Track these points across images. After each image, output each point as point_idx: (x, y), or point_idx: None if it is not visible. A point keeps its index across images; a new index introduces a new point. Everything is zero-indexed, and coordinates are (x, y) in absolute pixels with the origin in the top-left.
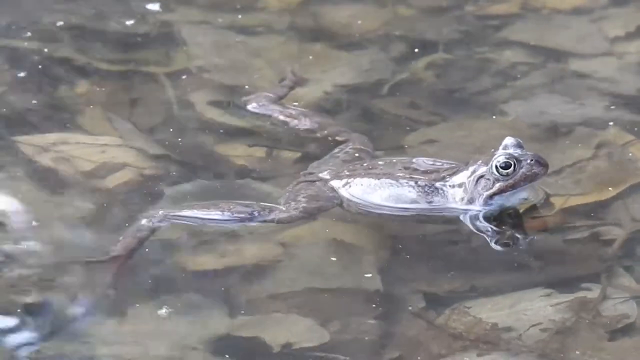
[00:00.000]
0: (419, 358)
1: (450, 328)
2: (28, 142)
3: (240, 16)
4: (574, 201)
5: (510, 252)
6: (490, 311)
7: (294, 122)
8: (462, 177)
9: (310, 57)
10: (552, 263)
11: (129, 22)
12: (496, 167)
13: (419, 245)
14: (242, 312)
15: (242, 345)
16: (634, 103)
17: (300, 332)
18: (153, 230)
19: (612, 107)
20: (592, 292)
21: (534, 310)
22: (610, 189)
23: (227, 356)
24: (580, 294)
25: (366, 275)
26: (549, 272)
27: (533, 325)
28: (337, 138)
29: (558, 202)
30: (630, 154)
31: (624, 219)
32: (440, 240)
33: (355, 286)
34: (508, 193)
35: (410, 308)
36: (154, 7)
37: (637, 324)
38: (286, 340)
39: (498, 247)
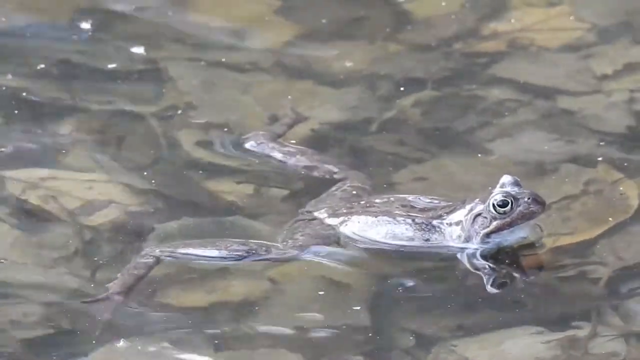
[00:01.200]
0: None
1: None
2: (16, 177)
3: (226, 54)
4: (564, 240)
5: (501, 291)
6: (477, 350)
7: (292, 160)
8: (459, 215)
9: (297, 94)
10: (541, 301)
11: (115, 63)
12: (493, 205)
13: (410, 283)
14: (229, 348)
15: None
16: (622, 141)
17: None
18: (150, 268)
19: (601, 144)
20: (582, 330)
21: (521, 348)
22: (596, 227)
23: None
24: (570, 332)
25: (355, 312)
26: (538, 311)
27: None
28: (335, 176)
29: (549, 241)
30: (619, 192)
31: (608, 257)
32: (432, 278)
33: (344, 323)
34: (505, 231)
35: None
36: (139, 50)
37: None
38: None
39: (494, 286)
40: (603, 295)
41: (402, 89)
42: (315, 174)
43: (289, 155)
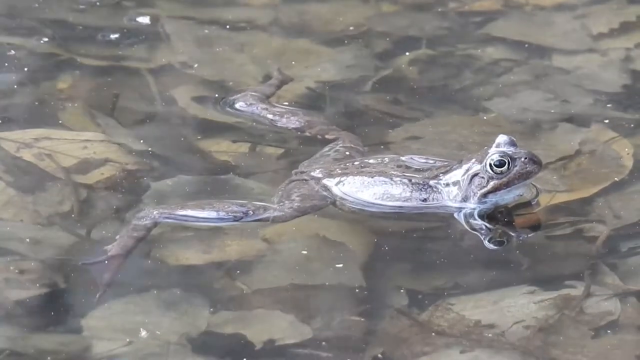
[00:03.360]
0: (402, 355)
1: (434, 325)
2: (10, 138)
3: (223, 12)
4: (559, 198)
5: (495, 249)
6: (474, 308)
7: (282, 121)
8: (456, 175)
9: (293, 53)
10: (536, 260)
11: (110, 21)
12: (490, 165)
13: (404, 243)
14: (224, 308)
15: (223, 341)
16: (618, 100)
17: (282, 329)
18: (149, 230)
19: (596, 103)
20: (576, 289)
21: (517, 307)
22: (593, 185)
23: (208, 352)
24: (564, 291)
25: (349, 272)
26: (533, 270)
27: (516, 323)
28: (327, 136)
29: (544, 200)
30: (613, 151)
31: (606, 216)
32: (427, 238)
33: (338, 282)
34: (502, 191)
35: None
36: (135, 8)
37: (621, 321)
38: (268, 336)
39: (490, 245)
40: (599, 254)
41: (397, 48)
42: (307, 134)
43: (279, 115)
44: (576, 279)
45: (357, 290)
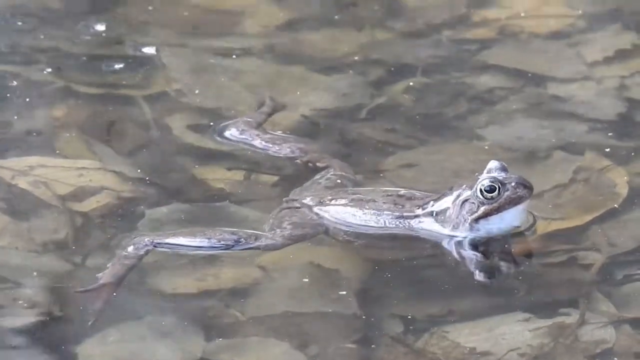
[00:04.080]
0: None
1: (429, 352)
2: (5, 166)
3: (218, 40)
4: (554, 226)
5: (490, 277)
6: (469, 335)
7: (274, 148)
8: (446, 201)
9: (288, 81)
10: (531, 288)
11: (106, 48)
12: (481, 190)
13: (398, 270)
14: (219, 335)
15: None
16: (612, 128)
17: (277, 356)
18: (141, 258)
19: (590, 131)
20: (571, 317)
21: (512, 334)
22: (587, 213)
23: None
24: (559, 319)
25: (345, 299)
26: (528, 297)
27: (511, 350)
28: (318, 164)
29: (539, 228)
30: (608, 179)
31: (601, 243)
32: (421, 265)
33: (333, 310)
34: (493, 217)
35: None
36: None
37: (616, 349)
38: None
39: (483, 273)
40: (594, 281)
41: (392, 75)
42: (298, 161)
43: (270, 143)
44: (571, 306)
45: (352, 318)
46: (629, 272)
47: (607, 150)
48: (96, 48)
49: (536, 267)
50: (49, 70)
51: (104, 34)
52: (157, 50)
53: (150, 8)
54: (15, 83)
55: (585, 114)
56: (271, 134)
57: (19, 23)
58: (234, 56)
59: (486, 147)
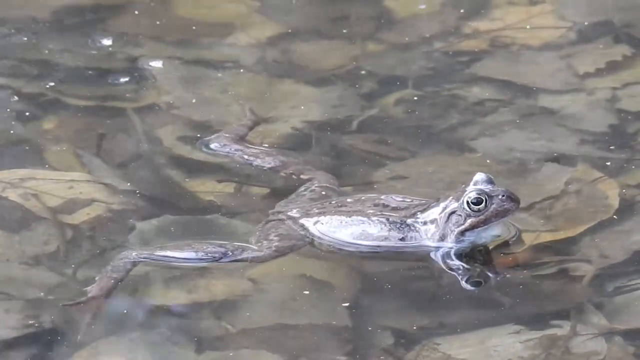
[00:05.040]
0: None
1: None
2: None
3: (208, 52)
4: (544, 237)
5: (480, 289)
6: (460, 348)
7: (257, 161)
8: (433, 213)
9: (279, 93)
10: (521, 299)
11: (95, 58)
12: (467, 202)
13: (388, 282)
14: (210, 348)
15: None
16: (603, 140)
17: None
18: (128, 271)
19: (581, 143)
20: (562, 329)
21: (503, 346)
22: (579, 225)
23: None
24: (550, 330)
25: (335, 311)
26: (518, 309)
27: None
28: (302, 176)
29: (528, 239)
30: (599, 191)
31: (592, 255)
32: (410, 277)
33: (324, 322)
34: (480, 229)
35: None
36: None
37: None
38: None
39: (469, 285)
40: (585, 293)
41: (383, 87)
42: (282, 174)
43: (253, 156)
44: (562, 318)
45: (343, 330)
46: (620, 284)
47: (599, 162)
48: (92, 61)
49: (527, 279)
50: (42, 82)
51: (110, 49)
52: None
53: (140, 21)
54: (4, 95)
55: (577, 126)
56: (253, 147)
57: (13, 31)
58: (224, 68)
59: (477, 159)
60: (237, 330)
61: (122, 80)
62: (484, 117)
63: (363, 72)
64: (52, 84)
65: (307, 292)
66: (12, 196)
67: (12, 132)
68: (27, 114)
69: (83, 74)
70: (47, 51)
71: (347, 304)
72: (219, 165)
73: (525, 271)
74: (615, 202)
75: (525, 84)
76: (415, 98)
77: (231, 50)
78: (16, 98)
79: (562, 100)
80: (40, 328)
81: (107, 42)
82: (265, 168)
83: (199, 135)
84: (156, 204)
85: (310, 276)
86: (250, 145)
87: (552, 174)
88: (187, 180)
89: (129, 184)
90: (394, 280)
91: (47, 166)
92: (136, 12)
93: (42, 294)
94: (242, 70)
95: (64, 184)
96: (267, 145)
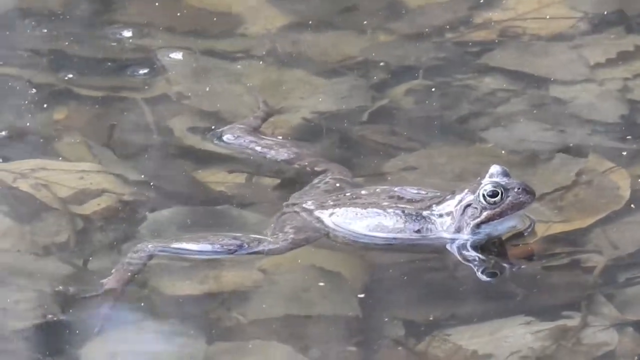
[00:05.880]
0: None
1: (431, 355)
2: (6, 169)
3: (219, 42)
4: (555, 228)
5: (492, 280)
6: (470, 338)
7: (270, 153)
8: (449, 205)
9: (289, 83)
10: (532, 291)
11: (108, 48)
12: (483, 195)
13: (401, 273)
14: (221, 338)
15: None
16: (615, 130)
17: (279, 359)
18: (144, 264)
19: (593, 134)
20: (573, 320)
21: (514, 337)
22: (590, 216)
23: None
24: (561, 321)
25: (346, 302)
26: (529, 300)
27: (513, 353)
28: (316, 168)
29: (540, 230)
30: (610, 181)
31: (604, 246)
32: (423, 268)
33: (335, 313)
34: (495, 221)
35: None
36: (131, 38)
37: (618, 352)
38: None
39: (484, 277)
40: (596, 284)
41: (394, 78)
42: (296, 166)
43: (267, 148)
44: (573, 309)
45: (353, 321)
46: (631, 275)
47: (610, 152)
48: (106, 52)
49: (538, 270)
50: (55, 73)
51: (131, 40)
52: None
53: (151, 10)
54: (16, 85)
55: (588, 116)
56: (267, 139)
57: (33, 23)
58: (235, 59)
59: (488, 150)
60: (248, 321)
61: (134, 71)
62: (495, 108)
63: (374, 62)
64: (65, 74)
65: (318, 283)
66: (23, 187)
67: (23, 122)
68: (38, 104)
69: (95, 65)
70: (67, 43)
71: (358, 295)
72: (230, 156)
73: (536, 262)
74: (626, 193)
75: (537, 74)
76: (426, 89)
77: (242, 40)
78: (29, 89)
79: (573, 91)
80: (51, 318)
81: (127, 33)
82: (279, 160)
83: (213, 127)
84: (167, 195)
85: (321, 267)
86: (264, 137)
87: (563, 165)
88: (198, 170)
89: (139, 174)
90: (406, 272)
91: (58, 157)
92: (145, 2)
93: (52, 284)
94: (252, 61)
95: (75, 174)
96: (280, 137)
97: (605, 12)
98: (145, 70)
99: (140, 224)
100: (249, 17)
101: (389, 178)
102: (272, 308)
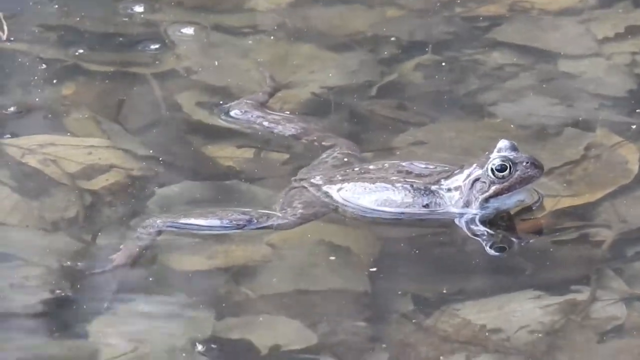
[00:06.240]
0: None
1: (439, 330)
2: (15, 144)
3: (228, 17)
4: (564, 203)
5: (500, 255)
6: (479, 313)
7: (278, 128)
8: (457, 180)
9: (298, 58)
10: (542, 265)
11: (117, 24)
12: (492, 169)
13: (409, 248)
14: (229, 313)
15: (229, 347)
16: (623, 104)
17: (288, 334)
18: (153, 239)
19: (601, 108)
20: (582, 294)
21: (523, 312)
22: (598, 190)
23: (214, 358)
24: (570, 296)
25: (355, 277)
26: (538, 275)
27: (522, 328)
28: (324, 143)
29: (549, 204)
30: (619, 156)
31: (612, 220)
32: (431, 243)
33: (344, 288)
34: (504, 196)
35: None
36: (140, 8)
37: (627, 326)
38: (274, 342)
39: (492, 251)
40: (605, 258)
41: (403, 53)
42: (303, 141)
43: (274, 123)
44: (582, 283)
45: (362, 296)
46: (638, 249)
47: (619, 126)
48: (116, 27)
49: (547, 244)
50: (66, 49)
51: (142, 15)
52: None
53: None
54: (25, 61)
55: (596, 91)
56: (275, 114)
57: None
58: (244, 34)
59: (497, 124)
60: (257, 295)
61: (145, 46)
62: (504, 82)
63: (383, 37)
64: (76, 50)
65: (327, 258)
66: (31, 162)
67: (31, 98)
68: (47, 80)
69: (106, 41)
70: (78, 18)
71: (367, 270)
72: (238, 131)
73: (544, 237)
74: (635, 167)
75: (545, 49)
76: (435, 63)
77: (251, 15)
78: (38, 64)
79: (581, 65)
80: (59, 294)
81: (138, 8)
82: (286, 135)
83: (221, 102)
84: (175, 170)
85: (330, 242)
86: (271, 112)
87: (571, 139)
88: (206, 145)
89: (148, 149)
90: (415, 247)
91: (66, 132)
92: None
93: (61, 260)
94: (261, 36)
95: (83, 149)
96: (287, 112)
97: None
98: (157, 46)
99: (148, 199)
100: None
101: (398, 153)
102: (281, 283)
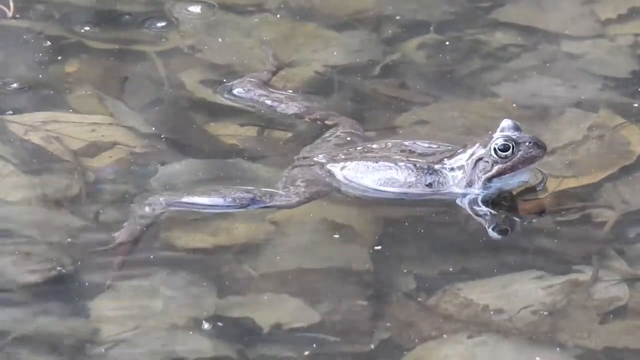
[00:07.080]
0: (409, 339)
1: (441, 309)
2: (18, 121)
3: None
4: (566, 184)
5: (503, 235)
6: (481, 293)
7: (281, 107)
8: (460, 159)
9: (301, 37)
10: (544, 246)
11: (122, 1)
12: (495, 149)
13: (412, 227)
14: (232, 291)
15: (231, 325)
16: (625, 85)
17: (290, 313)
18: (157, 217)
19: (604, 89)
20: (584, 274)
21: (525, 292)
22: (601, 171)
23: (216, 336)
24: (572, 276)
25: (358, 256)
26: (541, 255)
27: (524, 308)
28: (326, 122)
29: (551, 185)
30: (621, 137)
31: (614, 201)
32: (435, 223)
33: (346, 266)
34: (506, 175)
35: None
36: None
37: (629, 307)
38: (276, 320)
39: (496, 231)
40: (607, 239)
41: (405, 32)
42: (306, 120)
43: (277, 101)
44: (584, 264)
45: (364, 275)
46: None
47: (621, 107)
48: (113, 3)
49: (549, 225)
50: (67, 26)
51: None
52: (201, 9)
53: None
54: (30, 38)
55: (599, 72)
56: (277, 92)
57: None
58: (248, 12)
59: (499, 104)
60: (259, 274)
61: (151, 24)
62: (507, 63)
63: (386, 16)
64: (81, 27)
65: (329, 237)
66: (34, 139)
67: (35, 75)
68: (51, 57)
69: (112, 18)
70: None
71: (370, 249)
72: (241, 109)
73: (547, 217)
74: (637, 148)
75: (548, 29)
76: (438, 43)
77: None
78: (42, 41)
79: (584, 46)
80: (62, 271)
81: None
82: (289, 114)
83: (224, 80)
84: (179, 148)
85: (333, 220)
86: (274, 90)
87: (574, 120)
88: (209, 123)
89: (151, 127)
90: (418, 226)
91: (69, 109)
92: None
93: (63, 237)
94: (266, 14)
95: (87, 127)
96: (290, 90)
97: None
98: (163, 24)
99: (151, 176)
100: None
101: (401, 132)
102: (283, 261)
